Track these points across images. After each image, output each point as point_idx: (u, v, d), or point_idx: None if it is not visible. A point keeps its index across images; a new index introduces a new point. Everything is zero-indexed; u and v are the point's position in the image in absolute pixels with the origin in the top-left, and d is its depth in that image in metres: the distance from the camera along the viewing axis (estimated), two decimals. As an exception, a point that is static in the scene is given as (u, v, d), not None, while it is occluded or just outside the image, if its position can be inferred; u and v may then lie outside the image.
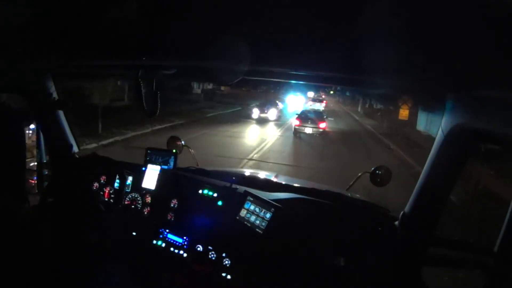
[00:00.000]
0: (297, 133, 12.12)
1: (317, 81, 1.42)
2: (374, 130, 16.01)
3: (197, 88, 26.12)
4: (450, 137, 1.14)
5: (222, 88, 29.16)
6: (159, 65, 1.29)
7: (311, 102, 24.88)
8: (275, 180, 1.94)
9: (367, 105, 27.45)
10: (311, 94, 37.96)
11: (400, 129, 14.02)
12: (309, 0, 0.66)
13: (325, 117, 13.41)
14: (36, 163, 2.02)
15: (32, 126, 2.01)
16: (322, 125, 12.19)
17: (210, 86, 27.78)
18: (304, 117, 12.36)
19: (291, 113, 18.97)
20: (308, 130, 11.96)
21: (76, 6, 0.77)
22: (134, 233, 1.70)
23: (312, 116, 12.51)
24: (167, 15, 0.78)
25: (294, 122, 12.51)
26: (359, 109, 28.14)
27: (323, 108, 21.87)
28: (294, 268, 1.39)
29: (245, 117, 16.41)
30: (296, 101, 25.87)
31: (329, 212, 1.52)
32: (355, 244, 1.39)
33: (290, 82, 1.34)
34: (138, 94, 1.29)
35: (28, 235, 0.92)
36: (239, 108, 21.72)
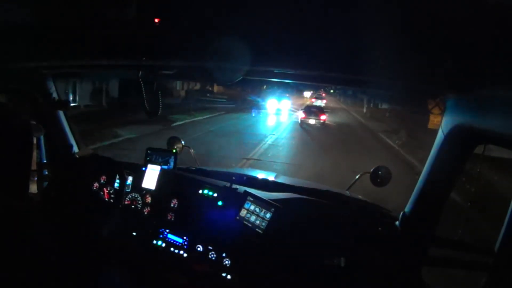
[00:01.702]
0: (302, 123, 14.68)
1: (317, 81, 1.42)
2: (390, 141, 11.86)
3: (180, 88, 22.95)
4: (450, 137, 1.14)
5: (215, 89, 26.78)
6: (159, 65, 1.29)
7: (314, 99, 27.57)
8: (275, 180, 1.94)
9: (371, 105, 24.13)
10: (308, 93, 37.76)
11: (423, 138, 8.87)
12: (308, 0, 0.66)
13: (325, 111, 16.11)
14: (36, 163, 2.01)
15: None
16: (323, 117, 14.94)
17: (197, 87, 24.89)
18: (308, 111, 15.11)
19: (266, 132, 12.26)
20: (312, 121, 14.68)
21: (76, 6, 0.77)
22: (134, 233, 1.70)
23: (315, 110, 15.42)
24: (167, 16, 0.78)
25: (300, 115, 15.29)
26: (364, 110, 23.44)
27: (323, 104, 23.54)
28: (294, 268, 1.39)
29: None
30: (282, 106, 20.17)
31: (329, 212, 1.52)
32: (355, 244, 1.39)
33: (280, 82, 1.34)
34: (139, 95, 1.30)
35: (27, 235, 0.93)
36: (220, 113, 17.36)
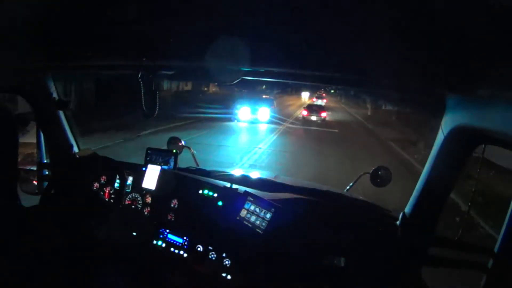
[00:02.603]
0: (305, 120, 16.29)
1: (317, 81, 1.42)
2: (407, 155, 9.28)
3: (168, 89, 20.04)
4: (450, 137, 1.14)
5: (210, 90, 24.85)
6: (159, 65, 1.29)
7: (315, 99, 29.21)
8: (275, 180, 1.94)
9: (374, 106, 22.36)
10: (306, 94, 37.57)
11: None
12: (307, 0, 0.66)
13: (325, 109, 17.89)
14: (36, 163, 2.01)
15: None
16: (323, 114, 16.64)
17: (188, 87, 22.09)
18: (310, 109, 17.02)
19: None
20: (314, 117, 16.35)
21: (76, 6, 0.77)
22: (134, 233, 1.70)
23: (316, 108, 17.45)
24: (167, 16, 0.78)
25: (303, 112, 16.81)
26: (369, 113, 21.53)
27: (324, 104, 24.58)
28: (294, 269, 1.39)
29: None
30: (260, 115, 14.88)
31: (329, 213, 1.53)
32: (355, 244, 1.39)
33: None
34: (137, 95, 1.30)
35: (28, 235, 0.93)
36: (200, 119, 13.52)
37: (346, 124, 17.17)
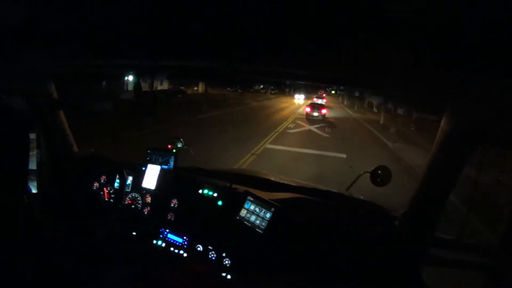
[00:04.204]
0: (308, 116, 17.80)
1: (317, 81, 1.42)
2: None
3: (132, 89, 11.29)
4: (450, 137, 1.14)
5: (200, 89, 22.69)
6: (159, 65, 1.29)
7: (315, 98, 29.69)
8: (275, 180, 1.94)
9: (383, 111, 19.41)
10: (300, 96, 36.65)
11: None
12: (310, 1, 0.66)
13: (325, 107, 19.40)
14: (36, 163, 2.01)
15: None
16: (324, 111, 18.28)
17: (163, 86, 18.84)
18: (312, 107, 18.60)
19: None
20: (315, 114, 17.95)
21: (76, 6, 0.77)
22: (134, 233, 1.70)
23: (318, 106, 19.12)
24: (167, 15, 0.78)
25: (306, 109, 18.19)
26: (381, 121, 17.62)
27: (324, 103, 25.39)
28: (294, 268, 1.39)
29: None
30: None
31: (329, 212, 1.53)
32: (355, 244, 1.39)
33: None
34: (137, 94, 1.30)
35: (28, 235, 0.93)
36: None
37: (356, 140, 11.31)
